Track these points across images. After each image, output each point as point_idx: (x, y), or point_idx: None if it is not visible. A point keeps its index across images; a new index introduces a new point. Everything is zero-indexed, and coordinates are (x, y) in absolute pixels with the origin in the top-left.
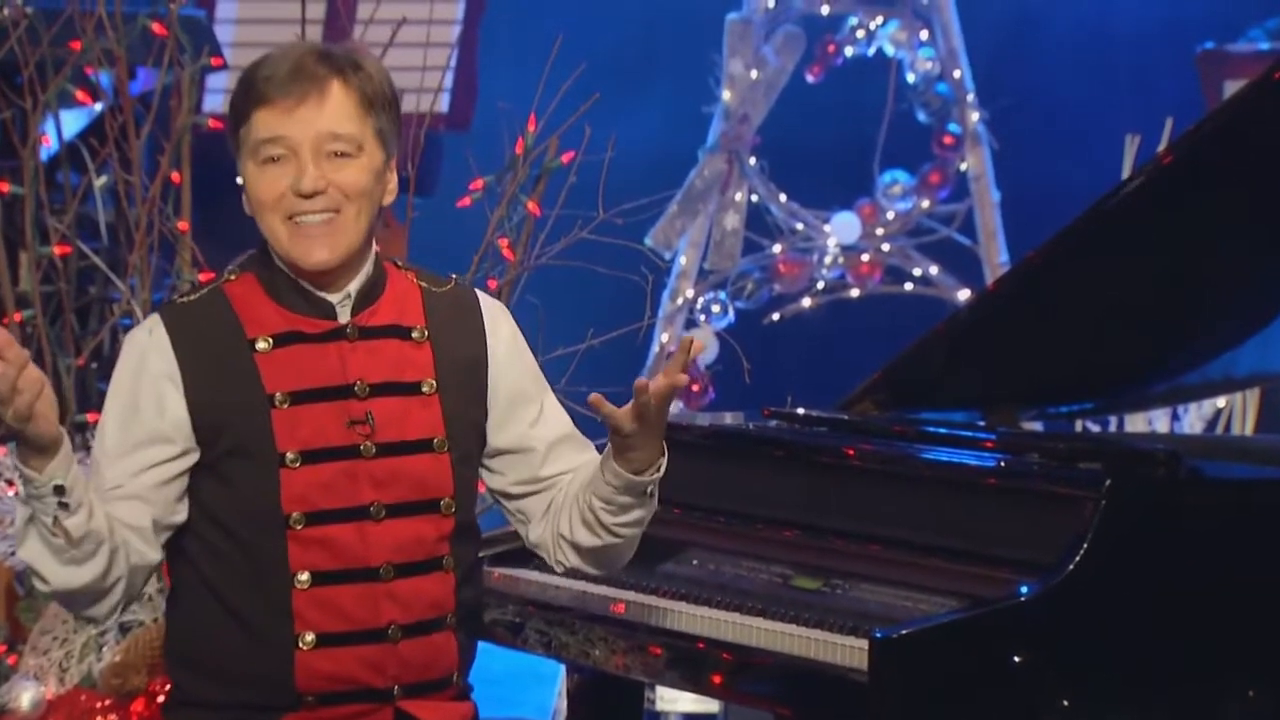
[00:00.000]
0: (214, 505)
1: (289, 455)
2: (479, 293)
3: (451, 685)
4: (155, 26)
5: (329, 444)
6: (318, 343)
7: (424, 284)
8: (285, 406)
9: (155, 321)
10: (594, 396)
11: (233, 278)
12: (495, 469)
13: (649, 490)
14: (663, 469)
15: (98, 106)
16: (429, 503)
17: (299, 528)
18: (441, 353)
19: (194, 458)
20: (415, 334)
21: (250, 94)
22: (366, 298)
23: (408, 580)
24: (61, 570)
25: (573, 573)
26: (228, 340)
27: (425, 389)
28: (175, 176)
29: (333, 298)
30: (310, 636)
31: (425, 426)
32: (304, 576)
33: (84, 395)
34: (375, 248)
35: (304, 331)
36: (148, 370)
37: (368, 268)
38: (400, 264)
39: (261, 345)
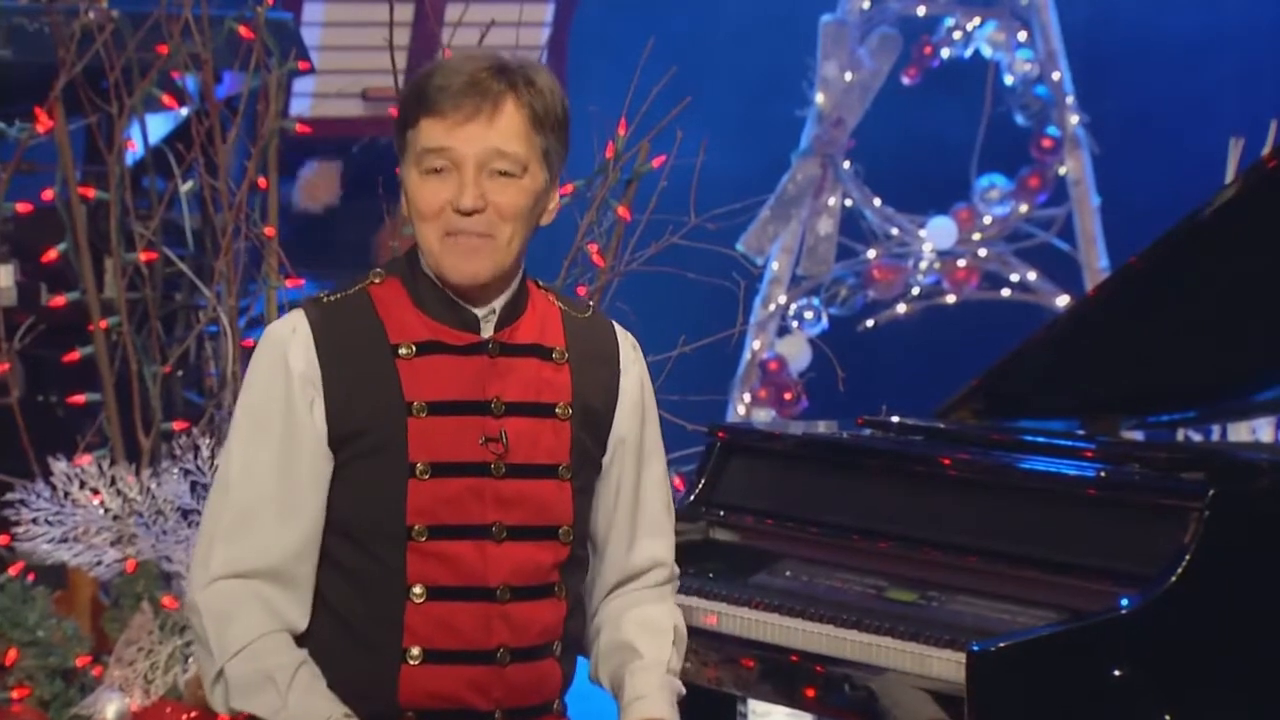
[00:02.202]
0: (336, 510)
1: (419, 466)
2: (616, 325)
3: (552, 710)
4: (242, 30)
5: (461, 459)
6: (459, 355)
7: (563, 306)
8: (422, 416)
9: (299, 318)
10: None
11: (377, 280)
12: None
13: None
14: None
15: (184, 111)
16: (548, 529)
17: (421, 540)
18: (578, 378)
19: (330, 464)
20: (555, 355)
21: (422, 101)
22: (510, 314)
23: (523, 604)
24: None
25: None
26: (370, 343)
27: (559, 412)
28: (262, 181)
29: (478, 311)
30: (417, 651)
31: (553, 452)
32: (418, 590)
33: (170, 403)
34: (522, 267)
35: (446, 342)
36: (291, 370)
37: (514, 286)
38: (541, 284)
39: (404, 351)
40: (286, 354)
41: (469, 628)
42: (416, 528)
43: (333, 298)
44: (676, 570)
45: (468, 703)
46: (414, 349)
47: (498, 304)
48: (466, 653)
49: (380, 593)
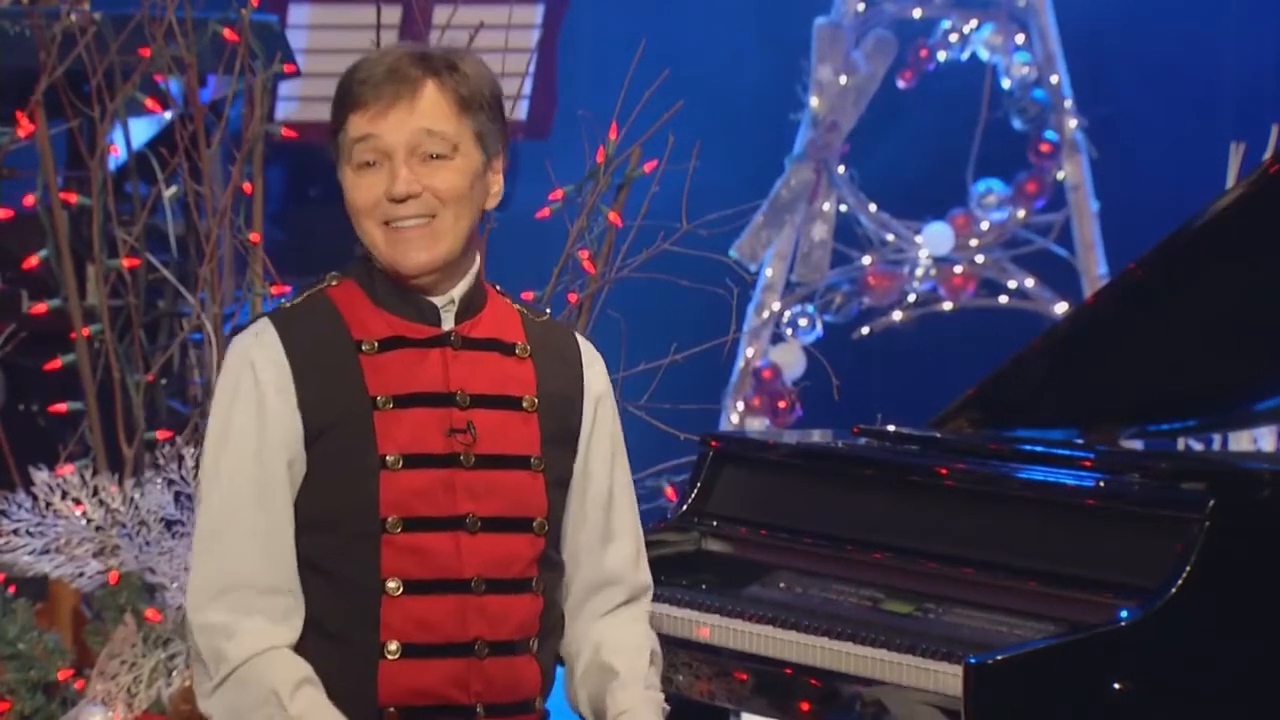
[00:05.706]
0: (309, 509)
1: (389, 457)
2: (575, 332)
3: (533, 710)
4: (226, 32)
5: (429, 450)
6: (422, 348)
7: (521, 308)
8: (388, 409)
9: (264, 325)
10: None
11: (334, 283)
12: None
13: None
14: None
15: (167, 115)
16: (522, 520)
17: (395, 533)
18: (542, 373)
19: (303, 467)
20: (518, 350)
21: (346, 98)
22: (469, 308)
23: (498, 597)
24: None
25: (655, 598)
26: (335, 340)
27: (526, 405)
28: (247, 187)
29: (437, 302)
30: (394, 646)
31: (523, 443)
32: (393, 584)
33: (153, 412)
34: (479, 260)
35: (408, 337)
36: (260, 377)
37: (471, 276)
38: (499, 288)
39: (366, 347)
40: (254, 361)
41: (445, 621)
42: (390, 520)
43: (293, 303)
44: (650, 584)
45: (448, 697)
46: (376, 345)
47: (456, 294)
48: (444, 646)
49: (355, 589)
